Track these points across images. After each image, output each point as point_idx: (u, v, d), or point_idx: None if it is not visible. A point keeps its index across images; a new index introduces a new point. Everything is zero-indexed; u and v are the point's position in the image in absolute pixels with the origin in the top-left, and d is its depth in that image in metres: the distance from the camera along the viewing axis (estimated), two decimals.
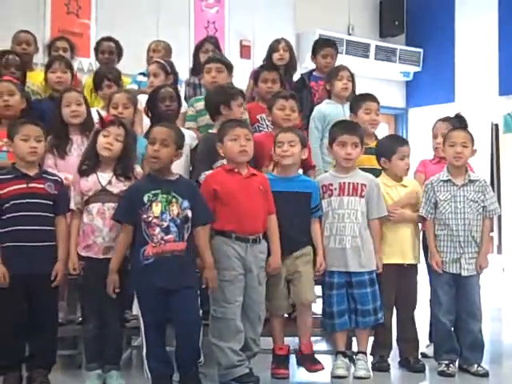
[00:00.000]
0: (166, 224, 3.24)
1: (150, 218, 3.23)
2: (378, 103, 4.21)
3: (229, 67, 4.48)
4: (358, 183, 3.72)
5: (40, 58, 5.30)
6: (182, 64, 5.14)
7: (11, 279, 3.22)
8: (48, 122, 3.73)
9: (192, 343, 3.29)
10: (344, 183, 3.72)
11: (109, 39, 5.13)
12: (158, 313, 3.26)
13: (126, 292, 3.38)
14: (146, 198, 3.25)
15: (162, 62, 4.62)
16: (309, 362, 3.67)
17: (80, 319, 3.71)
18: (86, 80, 4.99)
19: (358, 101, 4.22)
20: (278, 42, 5.01)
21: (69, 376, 3.63)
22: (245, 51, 7.57)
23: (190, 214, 3.29)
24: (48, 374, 3.33)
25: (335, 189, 3.72)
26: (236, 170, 3.50)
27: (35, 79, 4.68)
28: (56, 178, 3.42)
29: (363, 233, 3.71)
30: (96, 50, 5.16)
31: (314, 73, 5.04)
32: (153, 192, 3.26)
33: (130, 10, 6.93)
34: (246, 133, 3.51)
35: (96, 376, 3.34)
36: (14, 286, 3.23)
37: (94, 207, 3.35)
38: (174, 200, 3.27)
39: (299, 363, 3.69)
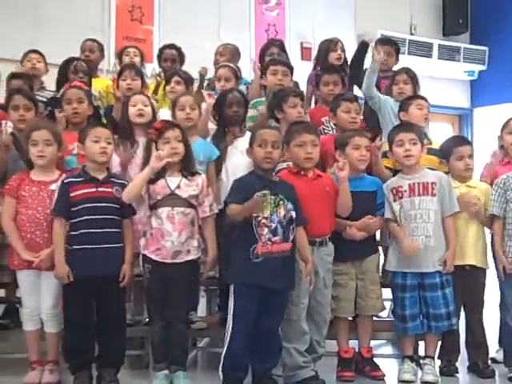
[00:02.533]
0: (274, 225, 3.27)
1: (260, 218, 3.26)
2: (428, 102, 4.18)
3: (292, 71, 4.49)
4: (427, 182, 3.67)
5: (106, 65, 5.45)
6: (243, 67, 5.17)
7: (81, 281, 3.29)
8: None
9: (275, 345, 3.33)
10: (414, 184, 3.67)
11: (171, 47, 5.18)
12: (251, 314, 3.26)
13: (193, 293, 3.41)
14: (255, 197, 3.26)
15: (232, 66, 4.66)
16: (369, 366, 3.65)
17: (147, 320, 3.77)
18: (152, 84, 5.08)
19: (408, 100, 4.20)
20: (333, 42, 5.00)
21: (136, 376, 3.69)
22: (305, 53, 7.56)
23: (294, 215, 3.31)
24: (117, 374, 3.39)
25: (405, 190, 3.67)
26: (302, 173, 3.50)
27: (99, 85, 4.81)
28: (123, 181, 3.48)
29: (437, 232, 3.64)
30: (159, 57, 5.22)
31: None
32: (263, 192, 3.28)
33: (192, 15, 7.04)
34: (313, 139, 3.50)
35: (163, 376, 3.37)
36: (84, 288, 3.30)
37: (164, 212, 3.37)
38: (281, 202, 3.30)
39: (359, 367, 3.67)
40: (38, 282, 3.42)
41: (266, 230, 3.26)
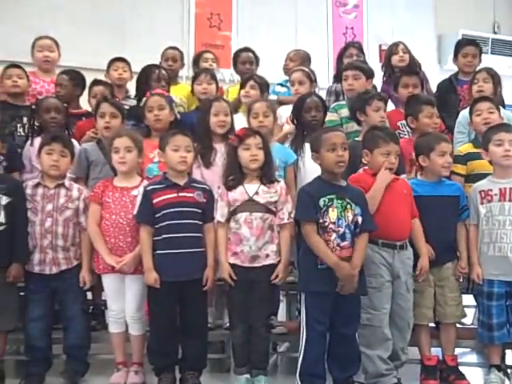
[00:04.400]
0: (342, 230, 3.22)
1: (327, 223, 3.22)
2: (491, 102, 4.00)
3: (367, 73, 4.43)
4: None
5: (185, 71, 5.54)
6: (321, 71, 5.15)
7: (165, 285, 3.34)
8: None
9: (353, 352, 3.30)
10: (505, 188, 3.56)
11: (247, 50, 5.20)
12: (324, 323, 3.24)
13: (273, 298, 3.41)
14: (321, 203, 3.24)
15: (307, 70, 4.65)
16: (454, 375, 3.56)
17: (227, 324, 3.80)
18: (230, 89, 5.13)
19: (471, 106, 4.08)
20: (395, 44, 5.03)
21: (218, 379, 3.72)
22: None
23: (360, 220, 3.27)
24: (199, 376, 3.44)
25: (495, 194, 3.56)
26: None
27: (179, 92, 4.87)
28: (204, 186, 3.52)
29: None
30: (235, 60, 5.24)
31: (458, 76, 4.93)
32: (328, 197, 3.25)
33: (269, 19, 7.09)
34: (397, 149, 3.45)
35: (245, 380, 3.40)
36: (168, 292, 3.36)
37: (242, 216, 3.40)
38: (348, 206, 3.25)
39: (443, 375, 3.58)
40: (122, 286, 3.51)
41: (333, 235, 3.21)
